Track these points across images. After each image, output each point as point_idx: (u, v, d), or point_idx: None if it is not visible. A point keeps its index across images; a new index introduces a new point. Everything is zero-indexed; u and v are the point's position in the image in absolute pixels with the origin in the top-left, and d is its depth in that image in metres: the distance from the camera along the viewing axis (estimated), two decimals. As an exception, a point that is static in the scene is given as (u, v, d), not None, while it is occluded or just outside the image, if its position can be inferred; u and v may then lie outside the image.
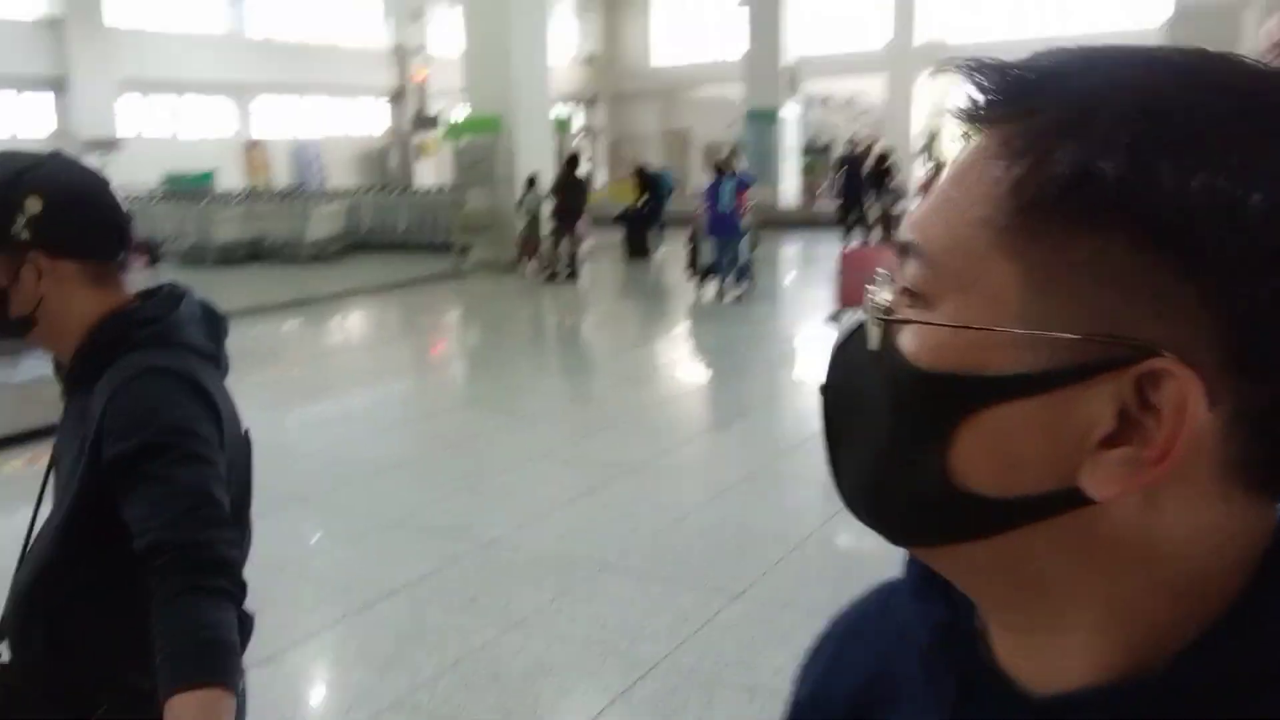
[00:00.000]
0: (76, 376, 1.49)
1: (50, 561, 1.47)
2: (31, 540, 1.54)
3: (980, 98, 0.48)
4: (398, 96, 27.20)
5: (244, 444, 1.60)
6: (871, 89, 26.04)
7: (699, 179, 18.85)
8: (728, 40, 27.08)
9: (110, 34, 20.24)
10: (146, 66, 20.95)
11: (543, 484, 5.93)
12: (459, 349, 11.22)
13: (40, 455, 5.86)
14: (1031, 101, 0.46)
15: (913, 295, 0.49)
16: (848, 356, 0.53)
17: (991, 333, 0.45)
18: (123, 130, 20.79)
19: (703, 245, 12.40)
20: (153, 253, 17.72)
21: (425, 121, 26.28)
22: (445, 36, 26.89)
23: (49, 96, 20.19)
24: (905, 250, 0.50)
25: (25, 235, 1.42)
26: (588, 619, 4.09)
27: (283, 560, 4.75)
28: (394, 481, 6.01)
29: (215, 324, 1.61)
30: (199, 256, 17.62)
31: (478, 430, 7.26)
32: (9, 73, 19.01)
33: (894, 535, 0.53)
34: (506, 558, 4.78)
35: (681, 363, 10.12)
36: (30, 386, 7.01)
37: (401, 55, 26.89)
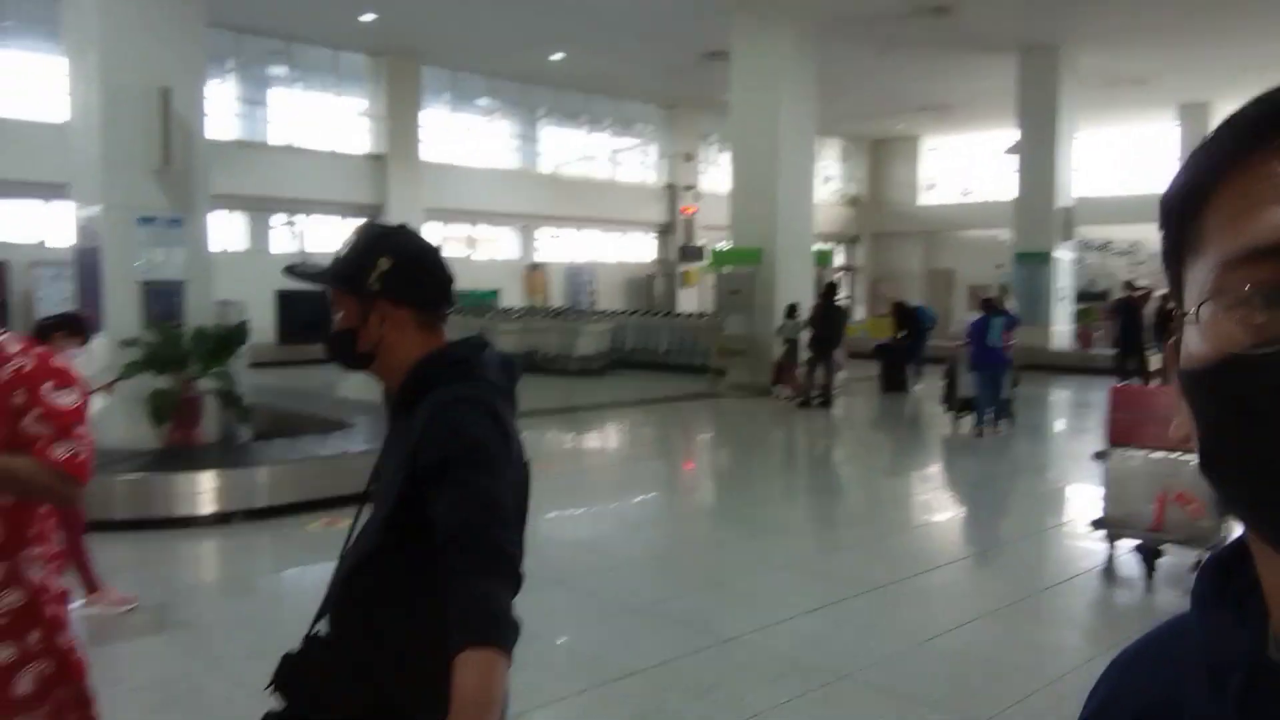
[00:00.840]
0: (401, 402, 1.81)
1: (369, 552, 1.76)
2: (352, 538, 1.84)
3: None
4: (666, 229, 28.74)
5: (526, 470, 1.86)
6: (1155, 236, 24.60)
7: (961, 317, 18.48)
8: (997, 182, 26.76)
9: (422, 168, 22.88)
10: (448, 197, 23.42)
11: (784, 592, 5.95)
12: (711, 462, 11.48)
13: (337, 519, 6.62)
14: None
15: None
16: None
17: None
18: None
19: (961, 379, 12.12)
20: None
21: (691, 252, 27.55)
22: (713, 176, 28.34)
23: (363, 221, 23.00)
24: None
25: (376, 286, 1.78)
26: (824, 722, 4.05)
27: (538, 631, 5.02)
28: (641, 574, 6.24)
29: (510, 368, 1.90)
30: (478, 366, 19.15)
31: (724, 537, 7.39)
32: (341, 200, 21.85)
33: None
34: (744, 656, 4.82)
35: (934, 492, 9.84)
36: (333, 460, 7.90)
37: (672, 192, 28.52)
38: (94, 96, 8.57)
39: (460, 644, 1.46)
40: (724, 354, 16.34)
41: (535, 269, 25.95)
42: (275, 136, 21.59)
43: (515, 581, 1.57)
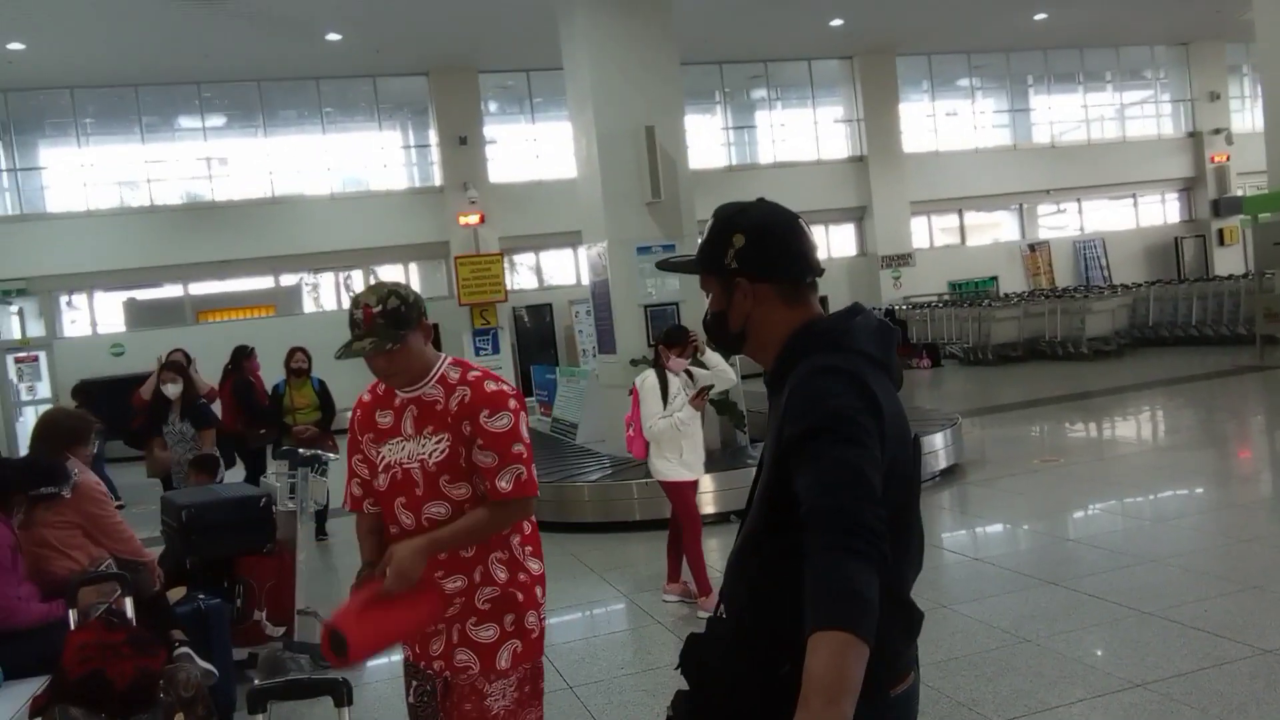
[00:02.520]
0: (773, 379, 1.78)
1: (753, 530, 1.75)
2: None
3: None
4: (1192, 183, 25.21)
5: (910, 446, 1.73)
6: None
7: None
8: None
9: (905, 161, 22.56)
10: (934, 186, 22.80)
11: (1352, 598, 4.87)
12: (1261, 446, 9.79)
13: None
14: None
15: None
16: None
17: None
18: (915, 244, 22.86)
19: None
20: (935, 355, 19.08)
21: (1228, 205, 23.87)
22: (1248, 116, 24.32)
23: (849, 227, 23.23)
24: None
25: (733, 265, 1.78)
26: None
27: (1027, 634, 4.69)
28: (1161, 574, 5.50)
29: (886, 336, 1.78)
30: (977, 356, 18.38)
31: (1265, 533, 6.25)
32: (826, 208, 22.33)
33: None
34: (1290, 672, 4.03)
35: None
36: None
37: (1197, 140, 24.96)
38: (592, 146, 9.71)
39: (813, 626, 1.40)
40: (1273, 318, 13.91)
41: (1035, 248, 24.23)
42: (764, 156, 22.69)
43: (877, 560, 1.45)
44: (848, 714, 1.34)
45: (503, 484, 2.44)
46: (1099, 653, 4.52)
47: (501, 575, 2.54)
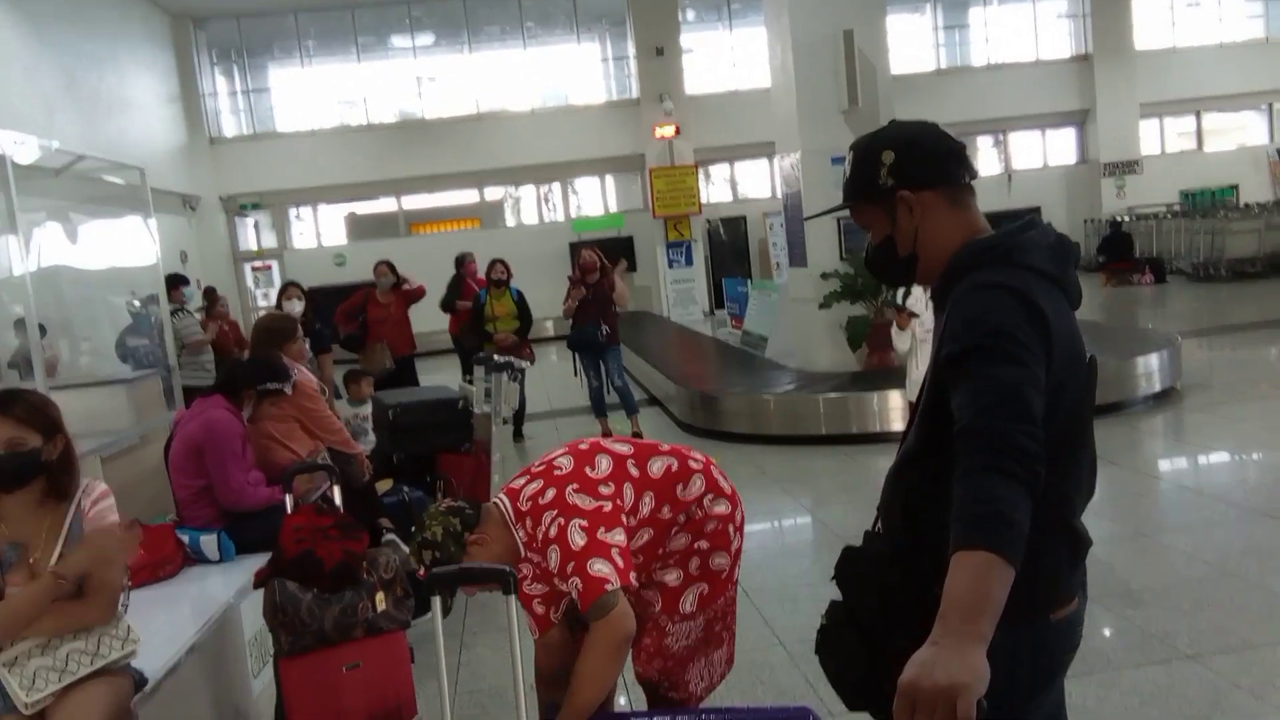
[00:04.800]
0: (939, 293, 1.71)
1: (911, 448, 1.73)
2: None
3: None
4: None
5: (1083, 368, 1.64)
6: None
7: None
8: None
9: (1136, 60, 20.67)
10: (1168, 87, 20.81)
11: None
12: None
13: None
14: None
15: None
16: None
17: None
18: (1143, 150, 21.06)
19: None
20: (1158, 270, 17.67)
21: None
22: None
23: (1070, 131, 21.60)
24: None
25: (889, 182, 1.71)
26: None
27: (1233, 569, 4.39)
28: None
29: (1064, 252, 1.68)
30: (1208, 272, 16.91)
31: None
32: (1042, 112, 20.86)
33: None
34: None
35: None
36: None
37: None
38: (787, 52, 9.44)
39: (957, 546, 1.37)
40: None
41: (1286, 153, 21.83)
42: (977, 57, 21.37)
43: (1028, 482, 1.40)
44: (986, 634, 1.32)
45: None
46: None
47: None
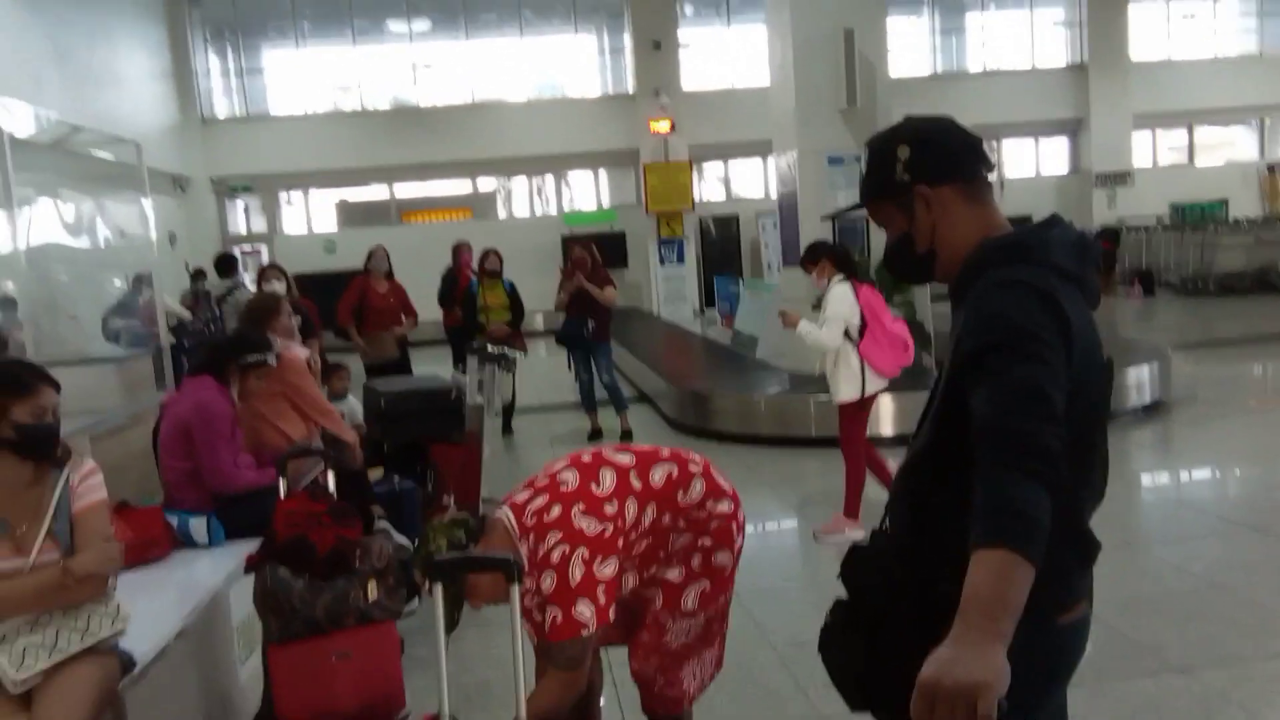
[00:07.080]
0: (956, 290, 1.69)
1: (923, 446, 1.70)
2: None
3: None
4: None
5: (1100, 369, 1.63)
6: None
7: None
8: None
9: (1131, 70, 20.76)
10: (1161, 98, 20.91)
11: None
12: None
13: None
14: None
15: None
16: None
17: None
18: (1135, 163, 21.16)
19: None
20: (1147, 283, 17.76)
21: None
22: None
23: (1062, 140, 21.70)
24: None
25: (905, 177, 1.69)
26: None
27: (1225, 582, 4.41)
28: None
29: (1086, 251, 1.66)
30: (1197, 286, 17.01)
31: None
32: (1035, 119, 20.92)
33: None
34: None
35: None
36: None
37: None
38: (787, 49, 9.42)
39: (977, 543, 1.35)
40: None
41: (1275, 170, 21.94)
42: (973, 62, 21.42)
43: (1050, 482, 1.38)
44: (1006, 632, 1.30)
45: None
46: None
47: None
